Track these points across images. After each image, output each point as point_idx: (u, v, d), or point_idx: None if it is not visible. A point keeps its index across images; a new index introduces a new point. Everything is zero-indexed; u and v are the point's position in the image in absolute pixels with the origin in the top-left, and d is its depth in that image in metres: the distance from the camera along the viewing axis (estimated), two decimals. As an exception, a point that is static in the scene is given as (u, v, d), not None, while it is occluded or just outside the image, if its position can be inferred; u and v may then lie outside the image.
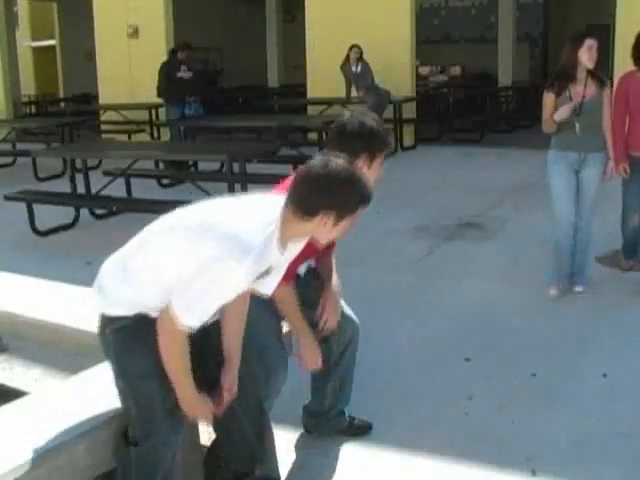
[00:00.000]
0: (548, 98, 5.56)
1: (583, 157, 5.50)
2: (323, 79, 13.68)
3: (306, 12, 14.16)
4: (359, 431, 3.87)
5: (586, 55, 5.36)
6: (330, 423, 3.84)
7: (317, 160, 2.67)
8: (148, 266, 2.69)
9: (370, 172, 3.13)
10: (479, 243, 7.33)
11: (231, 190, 7.50)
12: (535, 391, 4.30)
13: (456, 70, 20.01)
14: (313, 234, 2.73)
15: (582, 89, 5.45)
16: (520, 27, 19.58)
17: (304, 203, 2.61)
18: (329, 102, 13.08)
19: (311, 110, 14.27)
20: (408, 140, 13.43)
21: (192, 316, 2.58)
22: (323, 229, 2.65)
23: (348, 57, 12.60)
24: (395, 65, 13.15)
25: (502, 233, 7.63)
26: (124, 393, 2.78)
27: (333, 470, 3.63)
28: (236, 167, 7.85)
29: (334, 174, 2.60)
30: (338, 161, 2.64)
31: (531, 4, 20.23)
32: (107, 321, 2.76)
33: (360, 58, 12.51)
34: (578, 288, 5.75)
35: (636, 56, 5.65)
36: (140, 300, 2.70)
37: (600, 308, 5.43)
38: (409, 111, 13.44)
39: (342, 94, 12.92)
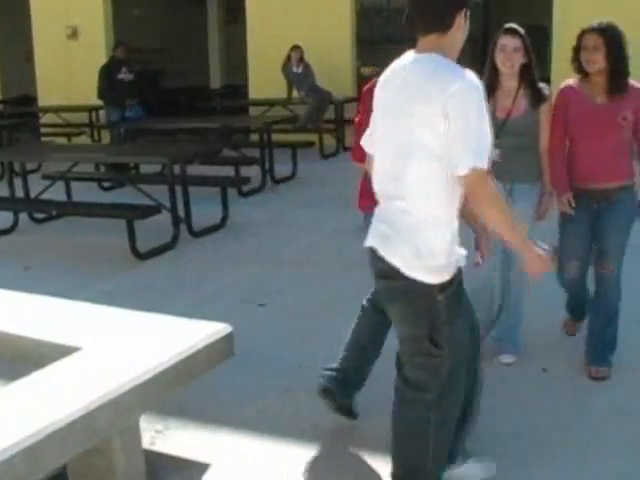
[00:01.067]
0: None
1: (508, 189, 4.37)
2: (265, 80, 13.67)
3: (247, 12, 14.15)
4: None
5: (500, 57, 4.35)
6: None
7: None
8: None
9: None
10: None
11: (172, 192, 7.46)
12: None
13: (398, 70, 20.09)
14: (458, 42, 2.93)
15: (510, 103, 4.38)
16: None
17: (440, 18, 2.86)
18: (271, 103, 13.07)
19: (253, 111, 14.27)
20: (350, 140, 13.46)
21: (484, 157, 2.71)
22: (462, 31, 2.93)
23: (289, 58, 12.63)
24: (336, 66, 13.21)
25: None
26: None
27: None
28: (177, 169, 7.80)
29: None
30: None
31: (471, 5, 20.41)
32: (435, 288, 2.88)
33: (301, 59, 12.56)
34: (505, 358, 4.63)
35: (577, 62, 4.30)
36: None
37: (537, 304, 5.49)
38: (351, 111, 13.48)
39: (284, 95, 12.94)
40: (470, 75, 2.76)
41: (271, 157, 10.28)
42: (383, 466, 3.40)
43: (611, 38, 4.13)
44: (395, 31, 21.94)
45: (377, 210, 3.07)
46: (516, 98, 4.37)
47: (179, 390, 3.28)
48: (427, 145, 2.76)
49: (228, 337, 3.55)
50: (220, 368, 3.46)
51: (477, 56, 23.17)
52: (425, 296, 2.88)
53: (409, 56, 2.94)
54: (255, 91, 14.18)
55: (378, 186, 3.03)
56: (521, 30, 4.33)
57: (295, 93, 12.88)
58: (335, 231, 7.77)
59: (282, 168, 10.41)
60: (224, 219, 8.12)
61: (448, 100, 2.68)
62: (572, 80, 4.41)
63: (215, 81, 21.09)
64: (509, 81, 4.38)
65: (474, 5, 20.97)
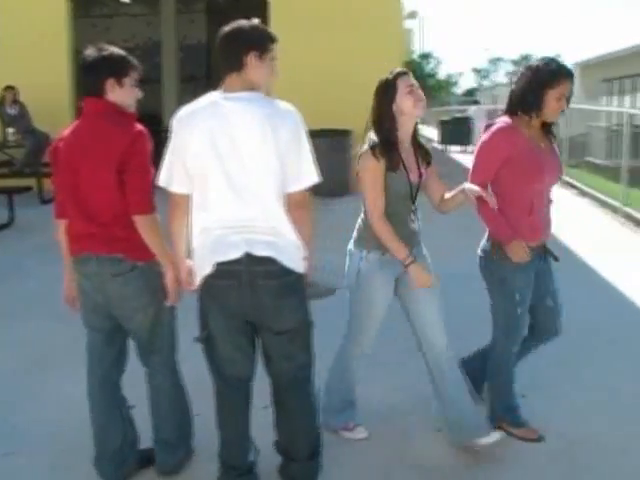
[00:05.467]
0: (375, 171, 3.46)
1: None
2: (-22, 122, 12.99)
3: (-45, 50, 13.43)
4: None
5: (410, 99, 3.50)
6: None
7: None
8: None
9: None
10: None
11: None
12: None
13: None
14: (259, 80, 3.15)
15: (414, 161, 3.58)
16: (185, 69, 19.94)
17: (234, 60, 3.11)
18: (-16, 146, 12.44)
19: (-34, 155, 13.50)
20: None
21: None
22: (258, 71, 3.11)
23: (3, 98, 12.12)
24: (54, 106, 12.81)
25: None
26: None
27: None
28: None
29: None
30: None
31: (194, 46, 20.67)
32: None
33: (15, 100, 12.10)
34: (485, 439, 3.69)
35: (527, 105, 3.67)
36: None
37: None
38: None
39: (-2, 137, 12.39)
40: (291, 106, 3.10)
41: (-16, 204, 9.70)
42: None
43: None
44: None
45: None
46: (416, 154, 3.65)
47: None
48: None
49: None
50: None
51: (201, 95, 23.82)
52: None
53: (216, 95, 3.12)
54: (-32, 133, 13.43)
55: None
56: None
57: (11, 135, 12.35)
58: (54, 280, 7.38)
59: (-1, 215, 9.87)
60: None
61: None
62: (506, 121, 3.74)
63: None
64: (406, 135, 3.60)
65: (197, 46, 21.26)
